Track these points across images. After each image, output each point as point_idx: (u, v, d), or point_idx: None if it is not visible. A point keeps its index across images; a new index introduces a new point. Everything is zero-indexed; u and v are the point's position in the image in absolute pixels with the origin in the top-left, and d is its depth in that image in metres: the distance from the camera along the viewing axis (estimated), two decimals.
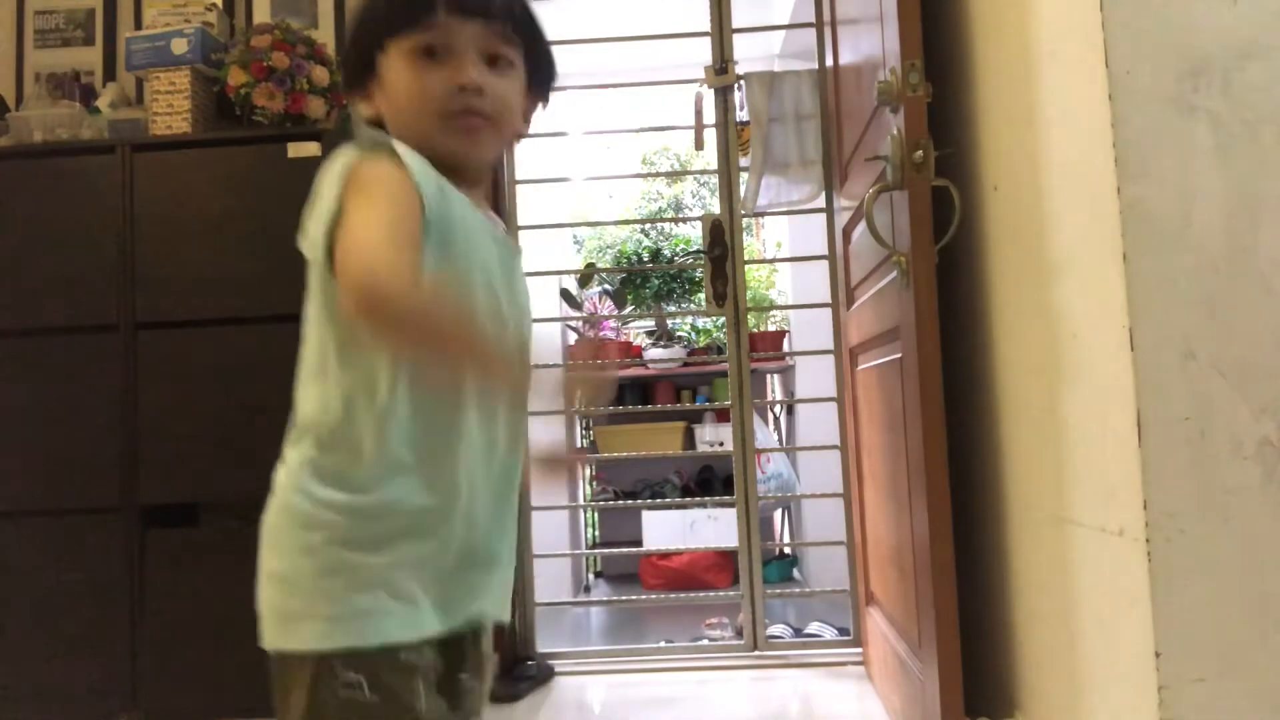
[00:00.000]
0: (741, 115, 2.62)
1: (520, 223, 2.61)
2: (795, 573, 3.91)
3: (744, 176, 2.59)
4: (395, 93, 0.89)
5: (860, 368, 2.21)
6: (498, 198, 2.53)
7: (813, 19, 2.57)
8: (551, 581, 3.08)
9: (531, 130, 0.99)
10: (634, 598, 2.85)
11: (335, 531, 0.81)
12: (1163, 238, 1.00)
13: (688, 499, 3.77)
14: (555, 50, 0.98)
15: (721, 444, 3.75)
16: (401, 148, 0.84)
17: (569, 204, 4.22)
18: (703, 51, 2.58)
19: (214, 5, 2.46)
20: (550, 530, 3.37)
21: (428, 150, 0.87)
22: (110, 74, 2.59)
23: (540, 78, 0.97)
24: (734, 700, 2.19)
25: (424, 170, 0.84)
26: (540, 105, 1.00)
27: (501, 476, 0.91)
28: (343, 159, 0.84)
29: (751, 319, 3.80)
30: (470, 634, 0.91)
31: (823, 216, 2.59)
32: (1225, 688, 0.97)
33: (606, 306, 4.42)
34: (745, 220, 2.82)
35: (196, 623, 2.16)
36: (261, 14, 2.53)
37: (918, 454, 1.53)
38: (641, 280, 4.54)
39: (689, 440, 3.91)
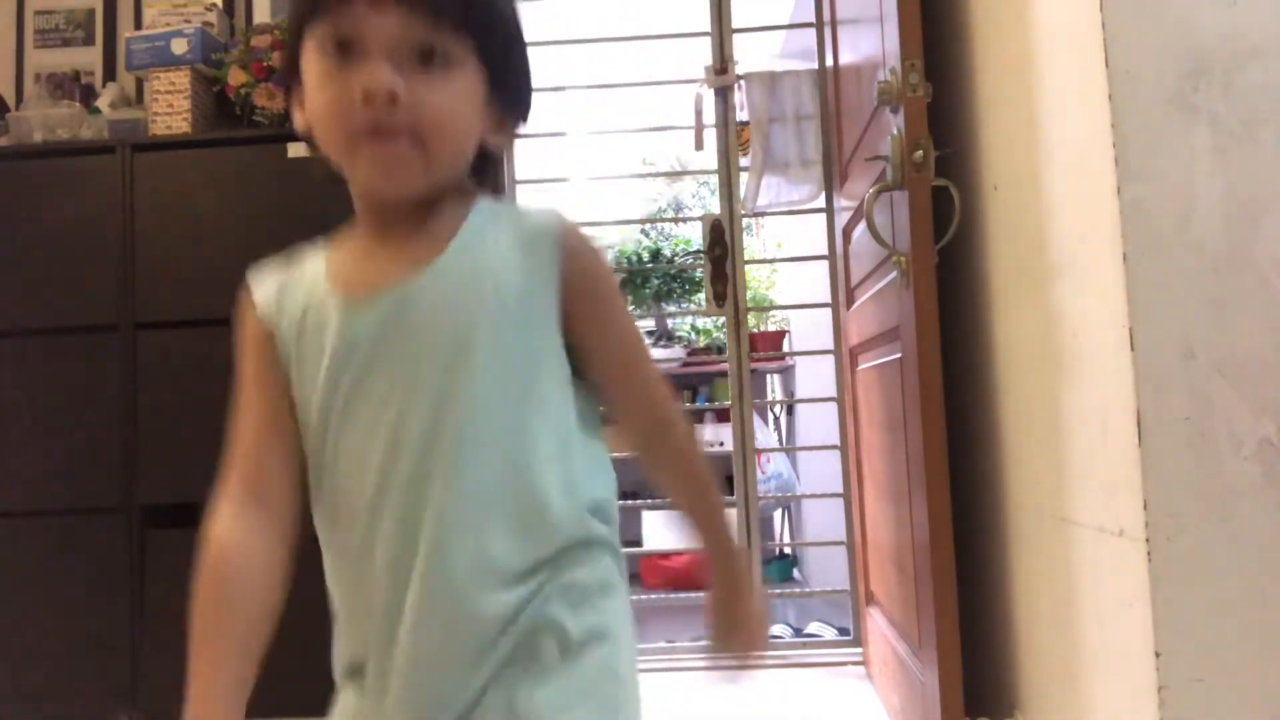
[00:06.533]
0: (741, 115, 2.62)
1: None
2: (795, 573, 3.91)
3: (744, 176, 2.59)
4: (309, 104, 0.74)
5: (860, 368, 2.21)
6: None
7: (813, 19, 2.57)
8: None
9: (530, 131, 0.85)
10: (634, 597, 2.86)
11: None
12: (1163, 238, 1.00)
13: None
14: (528, 45, 0.78)
15: (721, 444, 3.74)
16: (253, 277, 0.81)
17: (569, 203, 4.22)
18: (703, 51, 2.58)
19: (214, 5, 2.46)
20: None
21: (352, 183, 0.77)
22: (110, 74, 2.59)
23: (504, 79, 0.75)
24: (734, 700, 2.19)
25: (273, 288, 0.80)
26: (513, 116, 0.79)
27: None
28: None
29: (751, 319, 3.80)
30: None
31: (823, 216, 2.59)
32: (1225, 688, 0.97)
33: None
34: (745, 220, 2.82)
35: None
36: (261, 14, 2.53)
37: (918, 454, 1.53)
38: (641, 280, 4.54)
39: None
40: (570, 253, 0.76)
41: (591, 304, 0.77)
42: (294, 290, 0.78)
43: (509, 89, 0.77)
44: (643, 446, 0.84)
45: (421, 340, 0.72)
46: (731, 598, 0.86)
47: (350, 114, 0.69)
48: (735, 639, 0.87)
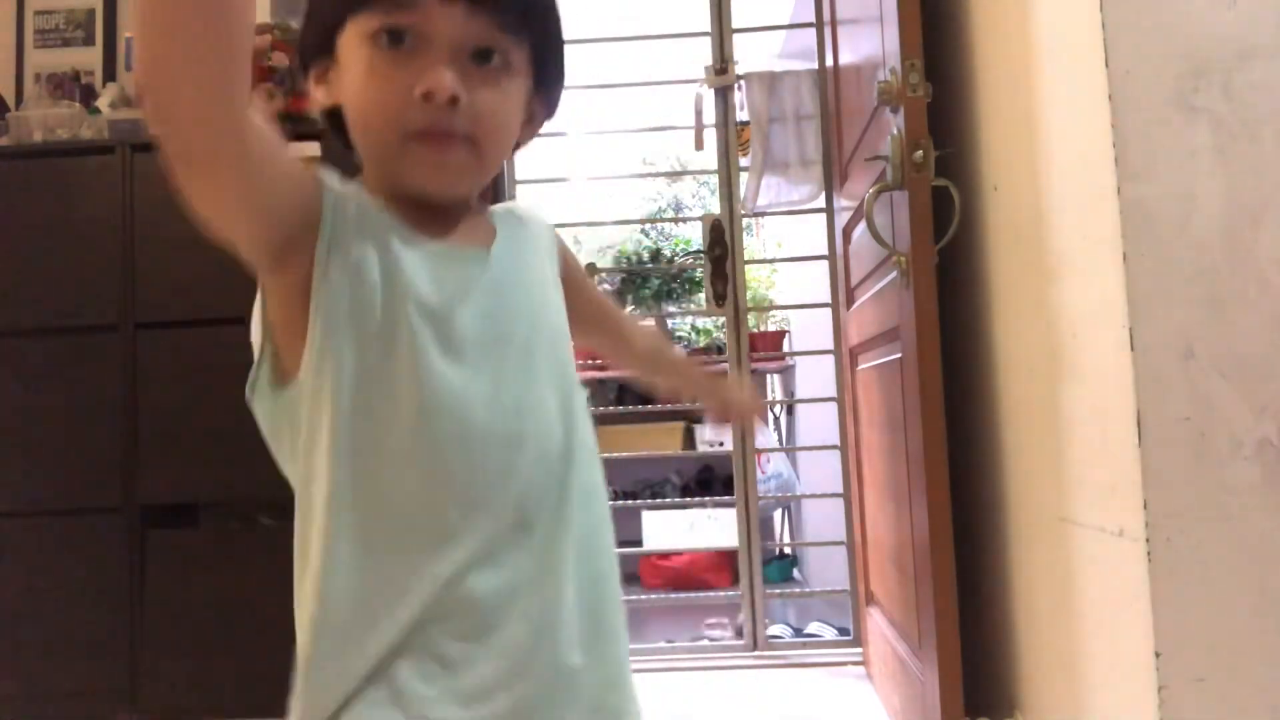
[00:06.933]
0: (741, 115, 2.62)
1: None
2: (795, 573, 3.91)
3: (744, 176, 2.59)
4: (350, 91, 0.69)
5: (860, 368, 2.21)
6: (496, 199, 2.53)
7: (813, 19, 2.57)
8: None
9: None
10: (634, 597, 2.85)
11: None
12: (1163, 238, 1.00)
13: (688, 499, 3.77)
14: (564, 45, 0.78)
15: (721, 444, 3.74)
16: (333, 184, 0.67)
17: (569, 204, 4.21)
18: (703, 51, 2.58)
19: None
20: None
21: (391, 179, 0.70)
22: (110, 74, 2.59)
23: (548, 80, 0.76)
24: (734, 700, 2.19)
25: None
26: (545, 113, 0.79)
27: None
28: None
29: (751, 319, 3.80)
30: None
31: (823, 216, 2.59)
32: (1225, 688, 0.97)
33: None
34: (745, 220, 2.82)
35: (196, 623, 2.16)
36: (261, 14, 2.52)
37: (918, 454, 1.53)
38: (641, 280, 4.54)
39: (689, 440, 3.91)
40: (559, 248, 0.87)
41: (573, 277, 0.88)
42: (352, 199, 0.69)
43: (548, 91, 0.77)
44: (625, 345, 1.02)
45: (511, 312, 0.73)
46: (714, 390, 1.10)
47: (405, 112, 0.66)
48: (735, 407, 1.13)
